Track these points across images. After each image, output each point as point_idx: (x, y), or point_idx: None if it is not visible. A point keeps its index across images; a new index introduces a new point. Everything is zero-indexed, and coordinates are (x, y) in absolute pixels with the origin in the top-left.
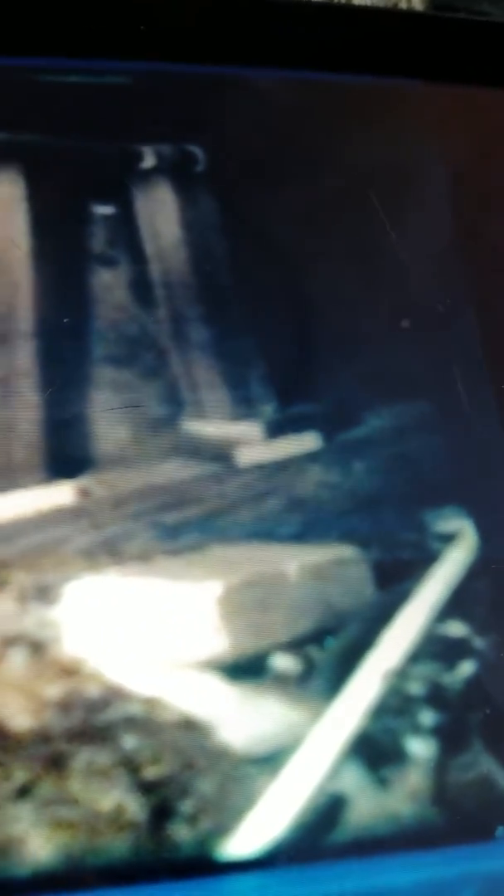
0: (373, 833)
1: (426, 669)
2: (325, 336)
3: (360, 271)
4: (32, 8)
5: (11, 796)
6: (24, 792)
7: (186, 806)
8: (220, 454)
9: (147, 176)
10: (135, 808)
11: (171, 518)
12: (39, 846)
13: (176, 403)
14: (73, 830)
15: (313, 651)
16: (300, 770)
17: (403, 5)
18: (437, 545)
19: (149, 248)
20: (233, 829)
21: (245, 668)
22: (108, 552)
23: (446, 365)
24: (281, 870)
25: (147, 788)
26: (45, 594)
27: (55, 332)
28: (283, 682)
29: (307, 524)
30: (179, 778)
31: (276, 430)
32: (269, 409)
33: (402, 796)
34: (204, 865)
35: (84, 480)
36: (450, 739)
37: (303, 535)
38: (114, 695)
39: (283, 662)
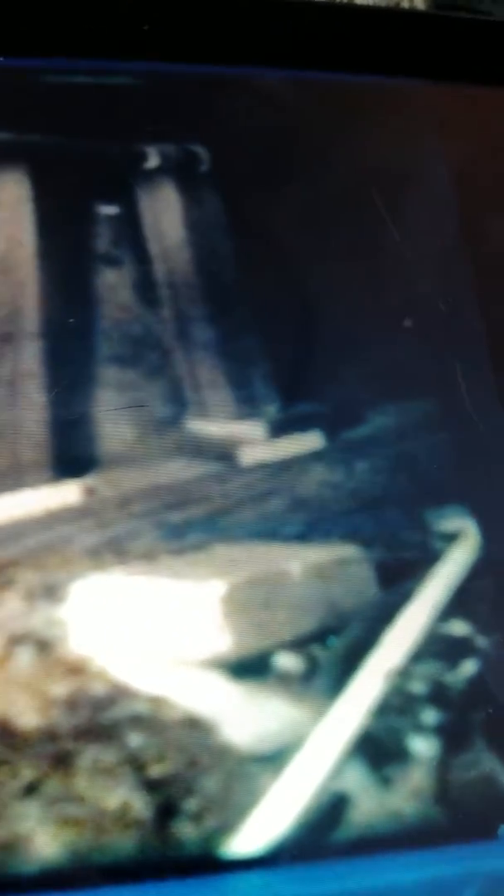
0: (375, 831)
1: (429, 668)
2: (329, 335)
3: (364, 271)
4: (36, 9)
5: (18, 794)
6: (30, 790)
7: (191, 804)
8: (223, 454)
9: (151, 176)
10: (140, 805)
11: (175, 517)
12: (46, 843)
13: (180, 403)
14: (79, 828)
15: (316, 650)
16: (304, 768)
17: (406, 5)
18: (440, 545)
19: (153, 247)
20: (237, 827)
21: (249, 667)
22: (114, 551)
23: (449, 364)
24: (284, 868)
25: (152, 786)
26: (51, 593)
27: (60, 332)
28: (286, 681)
29: (310, 524)
30: (184, 776)
31: (280, 429)
32: (272, 409)
33: (405, 795)
34: (208, 863)
35: (89, 480)
36: (452, 738)
37: (306, 535)
38: (119, 693)
39: (287, 661)
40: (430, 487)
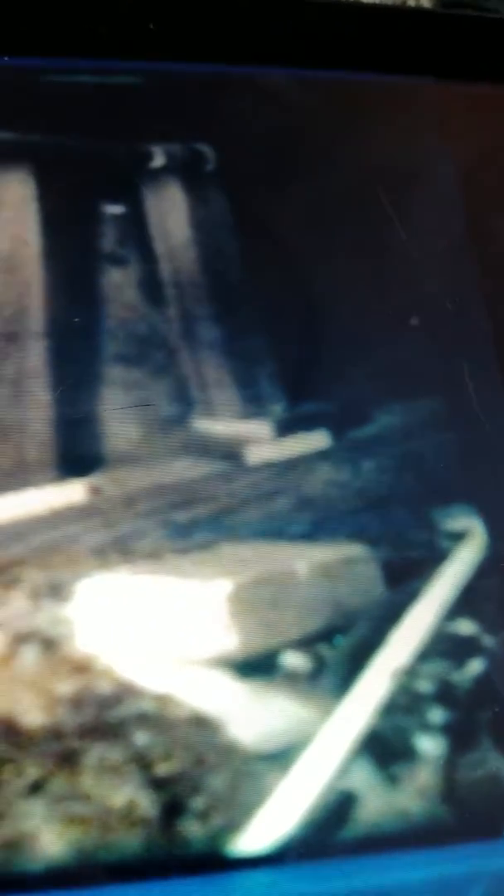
0: (382, 830)
1: (435, 667)
2: (335, 335)
3: (370, 269)
4: (41, 8)
5: (24, 792)
6: (36, 788)
7: (198, 802)
8: (229, 453)
9: (157, 175)
10: (146, 804)
11: (181, 516)
12: (51, 842)
13: (186, 402)
14: (85, 826)
15: (323, 649)
16: (310, 767)
17: (412, 3)
18: (447, 544)
19: (159, 247)
20: (243, 825)
21: (255, 666)
22: (119, 550)
23: (456, 363)
24: (291, 866)
25: (158, 785)
26: (57, 592)
27: (66, 331)
28: (293, 680)
29: (317, 523)
30: (191, 774)
31: (286, 428)
32: (278, 408)
33: (412, 794)
34: (215, 861)
35: (95, 479)
36: (459, 737)
37: (312, 534)
38: (125, 691)
39: (294, 660)
40: (436, 486)
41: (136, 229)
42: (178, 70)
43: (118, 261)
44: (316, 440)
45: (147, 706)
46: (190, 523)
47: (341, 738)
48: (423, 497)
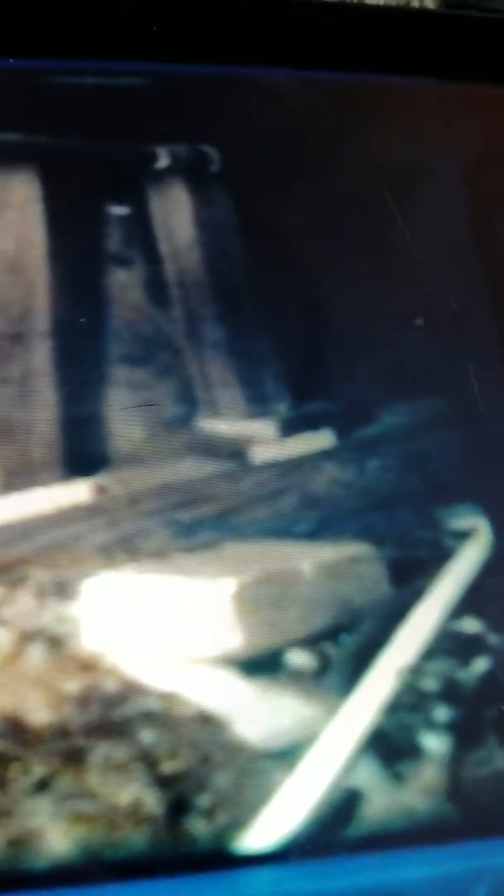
0: (387, 828)
1: (440, 666)
2: (339, 334)
3: (374, 269)
4: (46, 10)
5: (30, 790)
6: (42, 786)
7: (203, 800)
8: (234, 452)
9: (162, 176)
10: (152, 802)
11: (186, 516)
12: (58, 839)
13: (191, 402)
14: (91, 824)
15: (328, 648)
16: (315, 765)
17: (416, 4)
18: (452, 543)
19: (163, 247)
20: (249, 823)
21: (261, 664)
22: (125, 549)
23: (460, 362)
24: (296, 864)
25: (164, 783)
26: (63, 590)
27: (71, 331)
28: (298, 678)
29: (322, 522)
30: (196, 772)
31: (291, 428)
32: (283, 408)
33: (417, 791)
34: (220, 859)
35: (101, 478)
36: (464, 735)
37: (317, 533)
38: (131, 690)
39: (299, 659)
40: (441, 486)
41: (141, 230)
42: (183, 71)
43: (123, 261)
44: (321, 440)
45: (153, 704)
46: (195, 522)
47: (347, 736)
48: (428, 496)
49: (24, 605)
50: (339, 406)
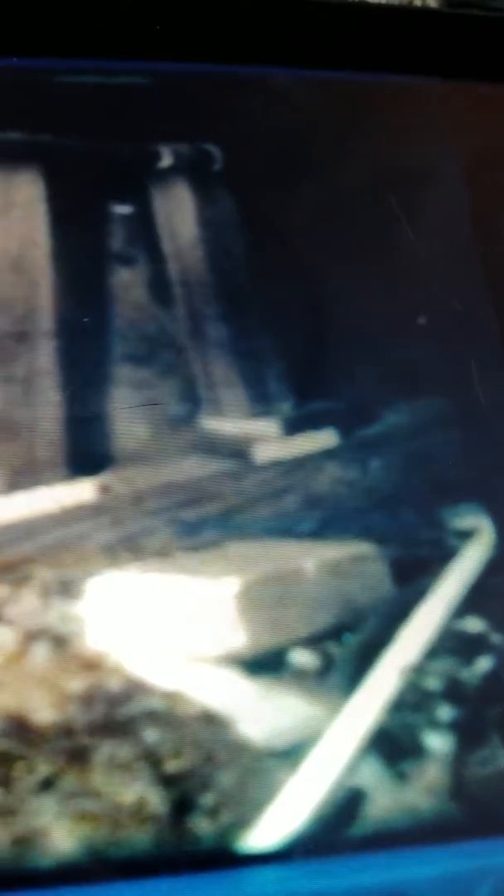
0: (391, 827)
1: (444, 665)
2: (342, 333)
3: (377, 269)
4: (49, 10)
5: (35, 789)
6: (47, 785)
7: (207, 799)
8: (237, 451)
9: (165, 175)
10: (156, 800)
11: (190, 515)
12: (62, 838)
13: (194, 401)
14: (95, 823)
15: (332, 647)
16: (319, 764)
17: (418, 2)
18: (455, 542)
19: (167, 247)
20: (252, 822)
21: (264, 663)
22: (129, 548)
23: (463, 362)
24: (300, 863)
25: (168, 782)
26: (67, 589)
27: (75, 331)
28: (301, 678)
29: (325, 521)
30: (200, 771)
31: (294, 427)
32: (286, 407)
33: (420, 790)
34: (224, 858)
35: (104, 478)
36: (467, 734)
37: (320, 532)
38: (135, 689)
39: (302, 658)
40: (444, 485)
41: (145, 229)
42: (186, 70)
43: (126, 261)
44: (324, 439)
45: (157, 703)
46: (199, 521)
47: (350, 735)
48: (431, 495)
49: (28, 604)
50: (342, 405)
